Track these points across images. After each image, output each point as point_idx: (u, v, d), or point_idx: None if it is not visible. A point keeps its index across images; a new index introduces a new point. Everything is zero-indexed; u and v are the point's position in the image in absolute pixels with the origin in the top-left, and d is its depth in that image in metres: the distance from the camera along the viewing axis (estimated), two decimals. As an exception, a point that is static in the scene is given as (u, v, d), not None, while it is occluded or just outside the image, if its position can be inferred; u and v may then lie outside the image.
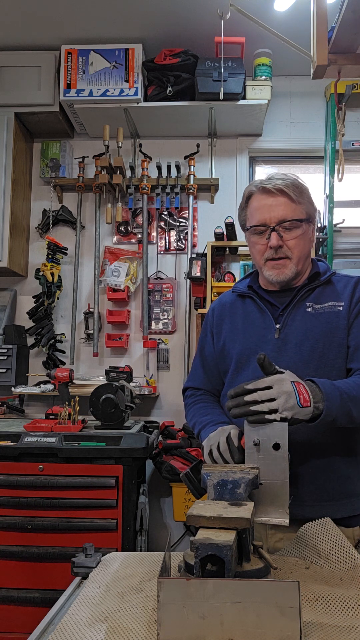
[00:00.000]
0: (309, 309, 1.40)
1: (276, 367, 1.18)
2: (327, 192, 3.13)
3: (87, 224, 3.36)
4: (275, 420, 1.11)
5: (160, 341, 3.24)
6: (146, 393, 3.02)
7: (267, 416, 1.11)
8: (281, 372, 1.17)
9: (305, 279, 1.44)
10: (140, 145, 3.29)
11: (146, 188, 3.18)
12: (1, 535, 2.25)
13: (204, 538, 0.87)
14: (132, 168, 3.28)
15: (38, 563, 2.24)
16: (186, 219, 3.27)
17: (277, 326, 1.40)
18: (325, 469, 1.29)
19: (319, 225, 3.04)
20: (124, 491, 2.28)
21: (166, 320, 3.25)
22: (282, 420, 1.11)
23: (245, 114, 3.09)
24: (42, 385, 3.03)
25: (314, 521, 1.21)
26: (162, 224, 3.32)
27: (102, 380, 2.82)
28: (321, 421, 1.17)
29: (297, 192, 1.39)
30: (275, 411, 1.11)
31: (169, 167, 3.22)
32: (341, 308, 1.38)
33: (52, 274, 3.17)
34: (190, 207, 3.22)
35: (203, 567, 0.87)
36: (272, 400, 1.11)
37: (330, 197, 3.11)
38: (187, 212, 3.26)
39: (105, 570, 1.15)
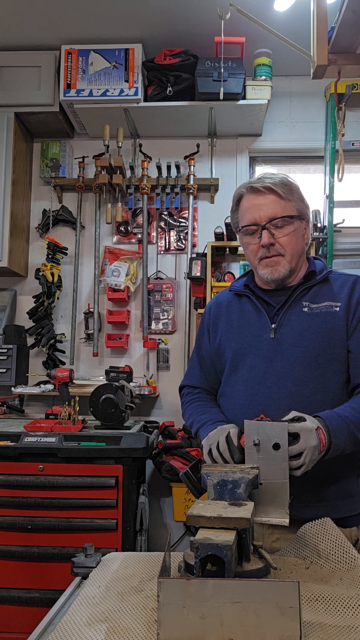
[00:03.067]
0: (305, 309, 1.39)
1: (296, 414, 1.20)
2: (327, 192, 3.13)
3: (87, 224, 3.36)
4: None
5: (160, 341, 3.24)
6: (146, 393, 3.02)
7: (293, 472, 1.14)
8: (304, 419, 1.18)
9: (301, 278, 1.43)
10: (140, 145, 3.29)
11: (146, 188, 3.18)
12: (1, 535, 2.25)
13: (204, 538, 0.87)
14: (132, 168, 3.28)
15: (38, 563, 2.24)
16: (186, 219, 3.27)
17: (273, 326, 1.40)
18: (321, 469, 1.29)
19: (318, 225, 3.04)
20: (124, 491, 2.28)
21: (166, 320, 3.25)
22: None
23: (245, 114, 3.09)
24: (42, 385, 3.03)
25: (313, 521, 1.21)
26: (162, 224, 3.32)
27: (102, 380, 2.82)
28: (328, 456, 1.21)
29: (285, 190, 1.39)
30: (301, 466, 1.14)
31: (169, 167, 3.21)
32: (338, 308, 1.37)
33: (52, 274, 3.17)
34: (190, 207, 3.22)
35: (203, 567, 0.87)
36: (299, 453, 1.13)
37: (330, 197, 3.11)
38: (187, 212, 3.26)
39: (105, 570, 1.15)
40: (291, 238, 1.39)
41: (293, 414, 1.20)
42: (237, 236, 1.51)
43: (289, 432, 1.13)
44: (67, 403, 2.56)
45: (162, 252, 3.32)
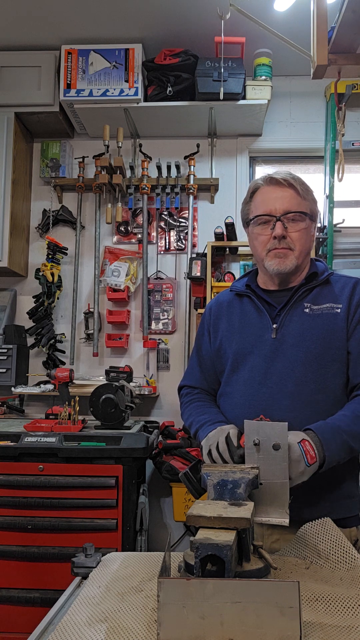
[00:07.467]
0: (307, 310, 1.40)
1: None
2: (327, 192, 3.13)
3: (87, 224, 3.35)
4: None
5: (160, 341, 3.24)
6: (146, 393, 3.02)
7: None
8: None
9: (303, 279, 1.43)
10: (140, 145, 3.29)
11: (146, 188, 3.18)
12: (1, 535, 2.25)
13: (204, 538, 0.87)
14: (132, 168, 3.28)
15: (38, 563, 2.24)
16: (186, 219, 3.27)
17: (274, 326, 1.40)
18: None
19: (319, 225, 3.03)
20: (124, 491, 2.27)
21: (166, 320, 3.25)
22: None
23: (245, 114, 3.09)
24: (42, 385, 3.03)
25: (313, 521, 1.21)
26: (162, 224, 3.32)
27: (102, 380, 2.82)
28: (325, 467, 1.20)
29: (303, 188, 1.41)
30: None
31: (169, 167, 3.21)
32: (339, 310, 1.38)
33: (52, 274, 3.17)
34: (190, 207, 3.22)
35: (203, 567, 0.87)
36: None
37: (330, 197, 3.11)
38: (187, 212, 3.26)
39: (105, 570, 1.15)
40: (302, 234, 1.40)
41: None
42: (245, 230, 1.50)
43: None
44: (67, 403, 2.56)
45: (162, 252, 3.32)
